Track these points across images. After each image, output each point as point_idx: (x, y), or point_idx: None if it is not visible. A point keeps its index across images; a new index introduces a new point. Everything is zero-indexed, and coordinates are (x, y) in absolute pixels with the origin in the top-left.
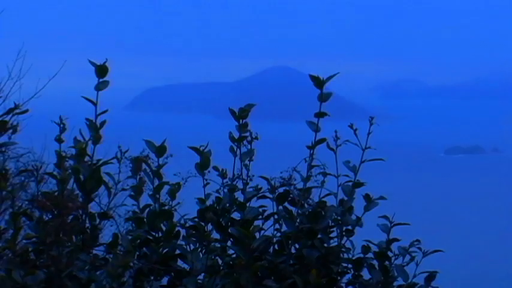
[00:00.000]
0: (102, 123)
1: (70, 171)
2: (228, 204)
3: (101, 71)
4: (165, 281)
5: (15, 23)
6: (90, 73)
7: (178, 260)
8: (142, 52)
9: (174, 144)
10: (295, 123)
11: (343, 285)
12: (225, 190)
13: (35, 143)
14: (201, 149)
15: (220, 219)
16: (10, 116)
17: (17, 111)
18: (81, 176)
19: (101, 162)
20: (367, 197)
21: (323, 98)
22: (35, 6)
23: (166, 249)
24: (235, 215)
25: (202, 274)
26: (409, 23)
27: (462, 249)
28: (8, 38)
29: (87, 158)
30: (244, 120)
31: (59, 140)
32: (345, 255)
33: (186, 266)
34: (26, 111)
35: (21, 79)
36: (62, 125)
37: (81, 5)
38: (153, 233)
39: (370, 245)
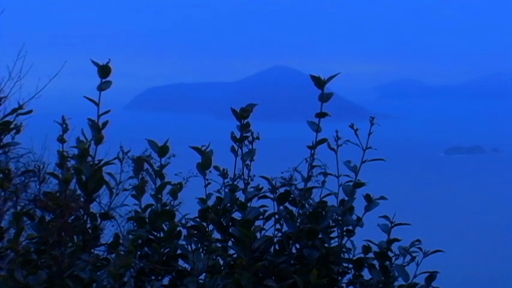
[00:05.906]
0: (105, 123)
1: (72, 171)
2: (229, 204)
3: (104, 71)
4: (166, 281)
5: (15, 23)
6: (91, 73)
7: (180, 260)
8: (143, 52)
9: (174, 144)
10: (296, 123)
11: (344, 285)
12: (226, 190)
13: (35, 143)
14: (203, 149)
15: (222, 219)
16: (14, 116)
17: (20, 111)
18: (83, 176)
19: (102, 162)
20: (367, 197)
21: (324, 98)
22: (35, 6)
23: (168, 249)
24: (236, 215)
25: (204, 274)
26: (409, 23)
27: (462, 249)
28: (8, 38)
29: (89, 158)
30: (245, 120)
31: (61, 140)
32: (346, 255)
33: (187, 266)
34: (30, 111)
35: (22, 79)
36: (64, 125)
37: (81, 5)
38: (155, 233)
39: (371, 245)
